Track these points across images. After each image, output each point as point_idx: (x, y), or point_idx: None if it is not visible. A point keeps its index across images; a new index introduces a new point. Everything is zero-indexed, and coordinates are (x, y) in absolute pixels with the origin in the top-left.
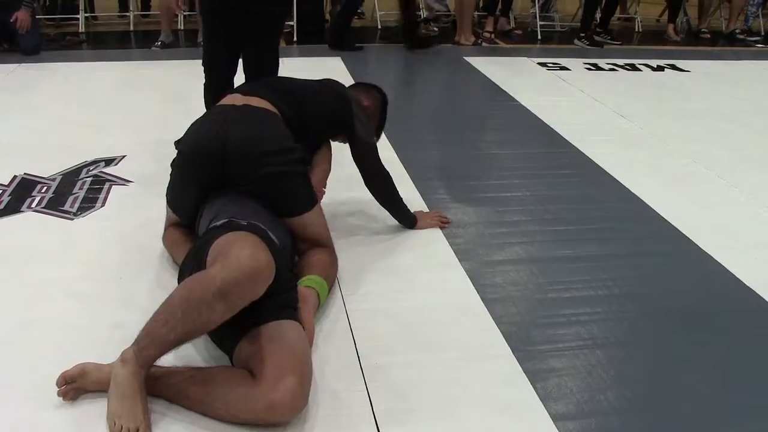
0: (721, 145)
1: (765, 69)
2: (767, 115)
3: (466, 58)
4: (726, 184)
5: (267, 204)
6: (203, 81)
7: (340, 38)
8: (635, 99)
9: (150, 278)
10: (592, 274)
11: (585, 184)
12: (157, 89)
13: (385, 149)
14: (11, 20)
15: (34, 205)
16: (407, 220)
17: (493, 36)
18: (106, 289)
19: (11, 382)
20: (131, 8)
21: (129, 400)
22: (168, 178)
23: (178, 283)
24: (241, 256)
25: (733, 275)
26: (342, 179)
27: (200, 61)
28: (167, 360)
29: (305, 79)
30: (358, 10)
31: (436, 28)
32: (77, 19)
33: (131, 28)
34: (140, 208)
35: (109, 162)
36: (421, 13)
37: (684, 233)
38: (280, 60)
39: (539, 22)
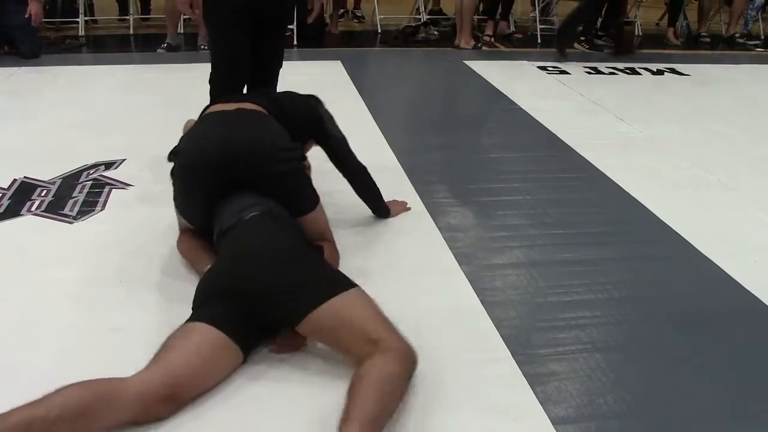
0: (720, 148)
1: (765, 73)
2: (767, 119)
3: (465, 62)
4: (726, 188)
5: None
6: (206, 83)
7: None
8: (635, 103)
9: (150, 282)
10: (591, 277)
11: (585, 187)
12: (157, 93)
13: (385, 153)
14: (26, 15)
15: (33, 208)
16: (384, 211)
17: (493, 39)
18: (105, 292)
19: (10, 385)
20: (131, 12)
21: None
22: (169, 183)
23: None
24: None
25: (733, 278)
26: (341, 180)
27: (200, 65)
28: None
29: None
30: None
31: (436, 32)
32: (77, 22)
33: (131, 31)
34: (140, 212)
35: (109, 165)
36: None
37: (684, 237)
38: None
39: (539, 26)
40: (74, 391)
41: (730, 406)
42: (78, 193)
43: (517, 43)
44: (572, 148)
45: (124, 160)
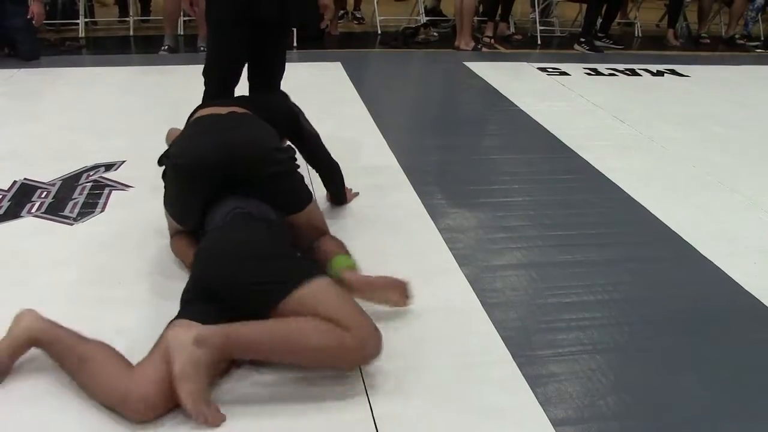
0: (720, 150)
1: (765, 74)
2: (767, 120)
3: (465, 63)
4: (726, 189)
5: (271, 204)
6: (203, 87)
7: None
8: (635, 104)
9: (150, 283)
10: (591, 279)
11: (585, 189)
12: (156, 94)
13: (384, 154)
14: (28, 16)
15: (33, 210)
16: (344, 199)
17: (492, 41)
18: (106, 294)
19: (11, 388)
20: (131, 13)
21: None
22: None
23: None
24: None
25: (733, 280)
26: None
27: (200, 67)
28: None
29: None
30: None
31: (435, 33)
32: (77, 24)
33: (131, 33)
34: (140, 213)
35: (109, 167)
36: (420, 18)
37: (684, 238)
38: None
39: (539, 27)
40: (105, 366)
41: (729, 407)
42: (78, 195)
43: (517, 45)
44: (572, 150)
45: (124, 161)
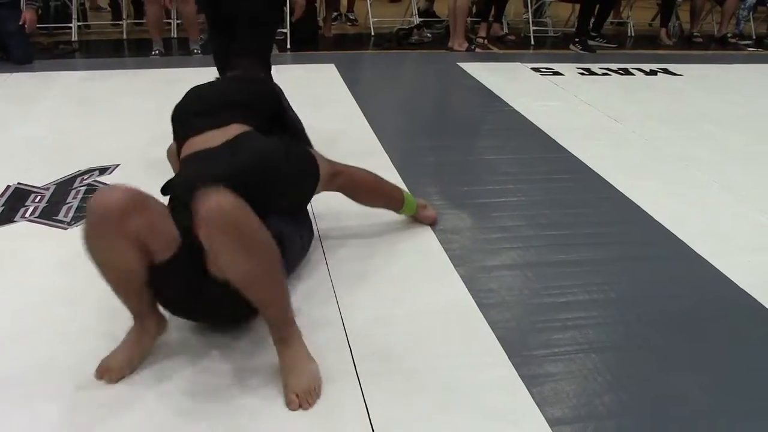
0: (714, 148)
1: (757, 72)
2: (760, 118)
3: (459, 64)
4: (720, 188)
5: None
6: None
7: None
8: (628, 103)
9: None
10: (587, 278)
11: (579, 188)
12: (150, 97)
13: (378, 155)
14: (20, 22)
15: (27, 214)
16: None
17: (486, 41)
18: (100, 298)
19: (5, 392)
20: (124, 16)
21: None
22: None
23: None
24: None
25: (728, 278)
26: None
27: (194, 69)
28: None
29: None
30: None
31: (429, 34)
32: (70, 27)
33: (124, 36)
34: None
35: (103, 171)
36: (413, 18)
37: (678, 236)
38: (274, 68)
39: (532, 28)
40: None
41: (726, 405)
42: (72, 199)
43: (511, 45)
44: (566, 149)
45: (118, 165)
